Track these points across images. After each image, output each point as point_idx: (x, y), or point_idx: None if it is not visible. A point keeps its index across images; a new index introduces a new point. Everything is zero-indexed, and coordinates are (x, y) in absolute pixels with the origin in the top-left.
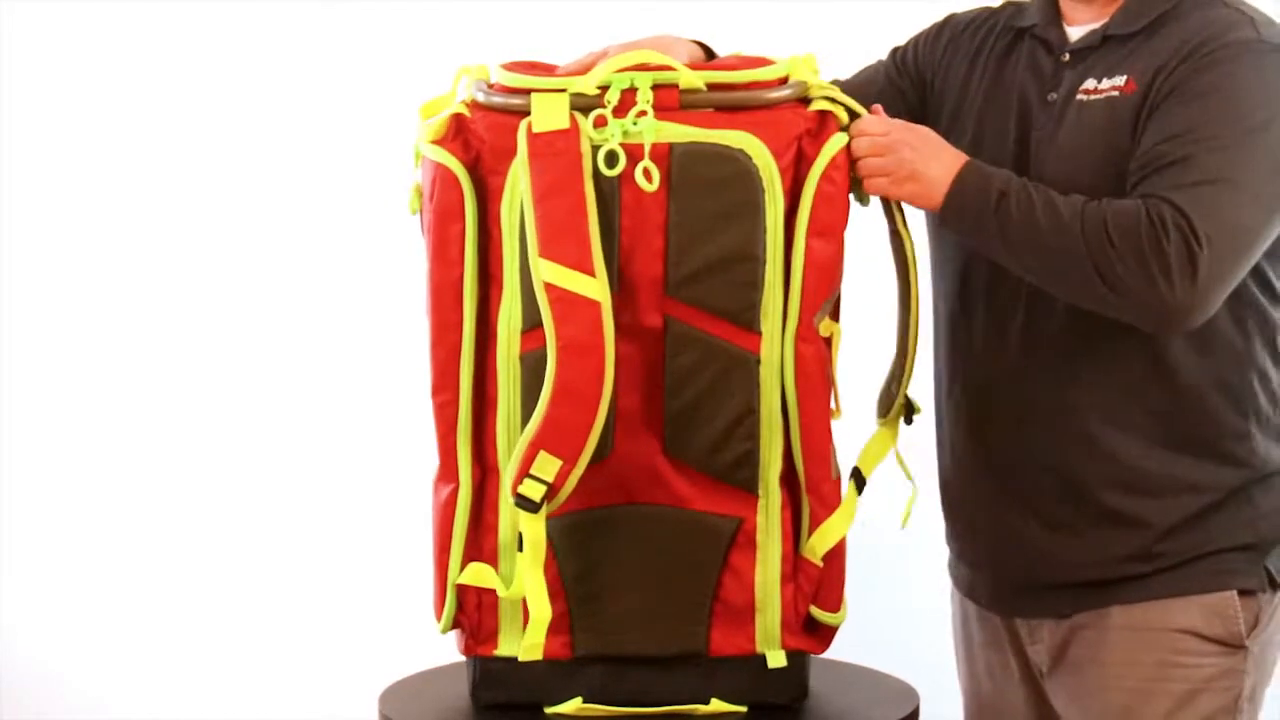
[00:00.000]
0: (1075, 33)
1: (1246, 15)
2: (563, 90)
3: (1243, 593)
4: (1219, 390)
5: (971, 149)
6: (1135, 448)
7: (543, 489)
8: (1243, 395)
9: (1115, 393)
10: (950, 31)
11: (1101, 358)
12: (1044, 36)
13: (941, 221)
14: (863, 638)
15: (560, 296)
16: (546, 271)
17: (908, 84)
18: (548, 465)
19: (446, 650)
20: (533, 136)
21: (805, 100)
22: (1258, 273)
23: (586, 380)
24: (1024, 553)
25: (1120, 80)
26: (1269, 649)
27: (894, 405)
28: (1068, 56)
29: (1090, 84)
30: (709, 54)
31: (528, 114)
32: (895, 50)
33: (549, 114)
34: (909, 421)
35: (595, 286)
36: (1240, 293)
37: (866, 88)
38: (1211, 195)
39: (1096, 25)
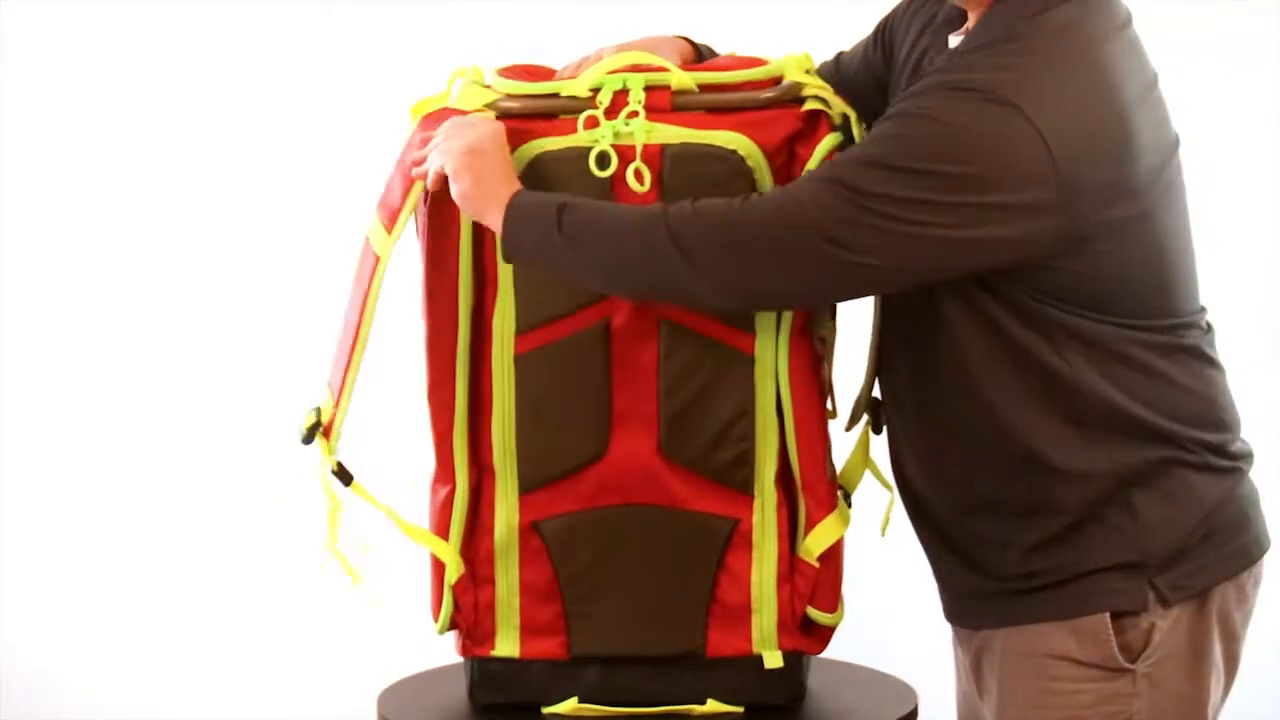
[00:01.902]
0: (953, 41)
1: (1011, 60)
2: (555, 94)
3: (1124, 614)
4: (1040, 408)
5: None
6: (978, 474)
7: (313, 419)
8: (1072, 409)
9: (944, 423)
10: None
11: (930, 392)
12: (934, 42)
13: (506, 255)
14: (862, 638)
15: (367, 247)
16: (371, 223)
17: (879, 58)
18: (328, 404)
19: (445, 651)
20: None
21: (798, 100)
22: (1075, 313)
23: (353, 311)
24: (938, 567)
25: None
26: (1172, 666)
27: (855, 411)
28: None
29: None
30: (698, 50)
31: (521, 116)
32: (884, 18)
33: (468, 100)
34: (877, 431)
35: (387, 243)
36: (1055, 322)
37: (850, 64)
38: (814, 186)
39: (957, 41)
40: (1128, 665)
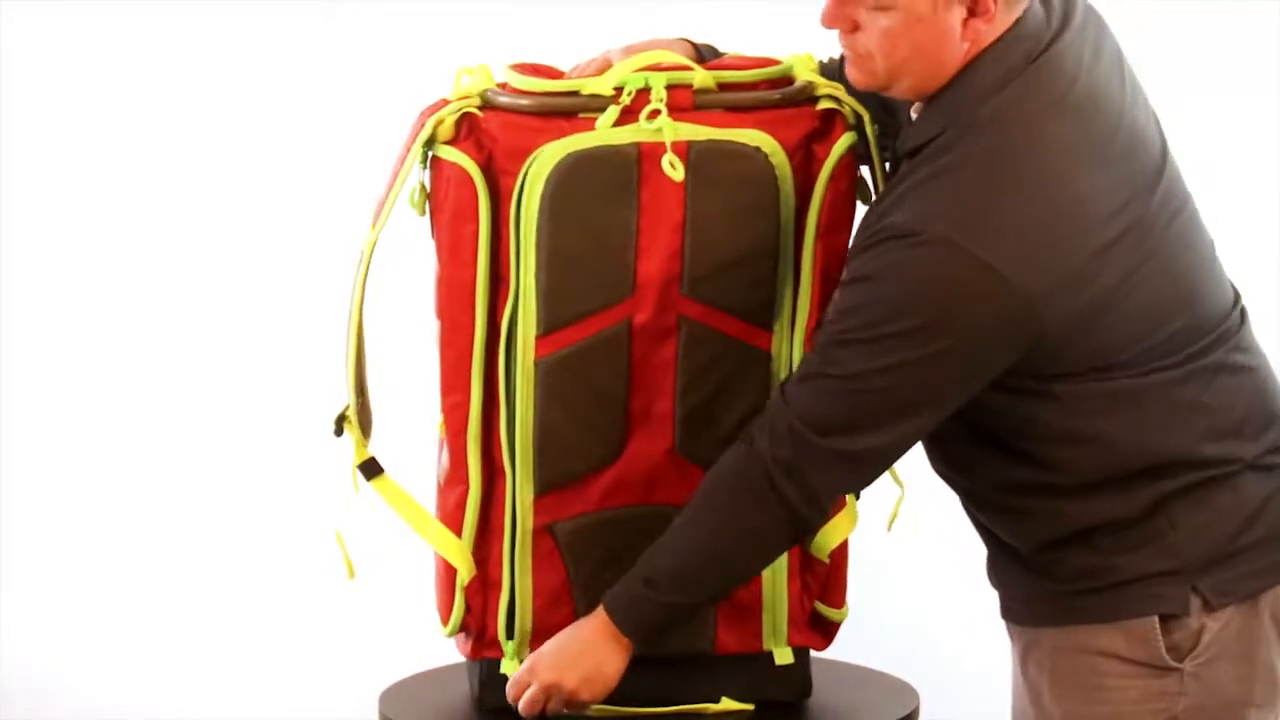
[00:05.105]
0: (913, 114)
1: (940, 189)
2: (575, 92)
3: (1170, 616)
4: (1079, 468)
5: None
6: (1028, 529)
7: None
8: (1112, 462)
9: (985, 488)
10: None
11: (963, 463)
12: (900, 110)
13: (649, 649)
14: (863, 637)
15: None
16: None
17: None
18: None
19: (446, 651)
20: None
21: (812, 100)
22: (1105, 378)
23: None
24: (993, 567)
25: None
26: (1221, 666)
27: None
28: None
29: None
30: (699, 51)
31: (540, 114)
32: None
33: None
34: None
35: (371, 232)
36: (1079, 394)
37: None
38: (820, 401)
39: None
40: (1174, 665)
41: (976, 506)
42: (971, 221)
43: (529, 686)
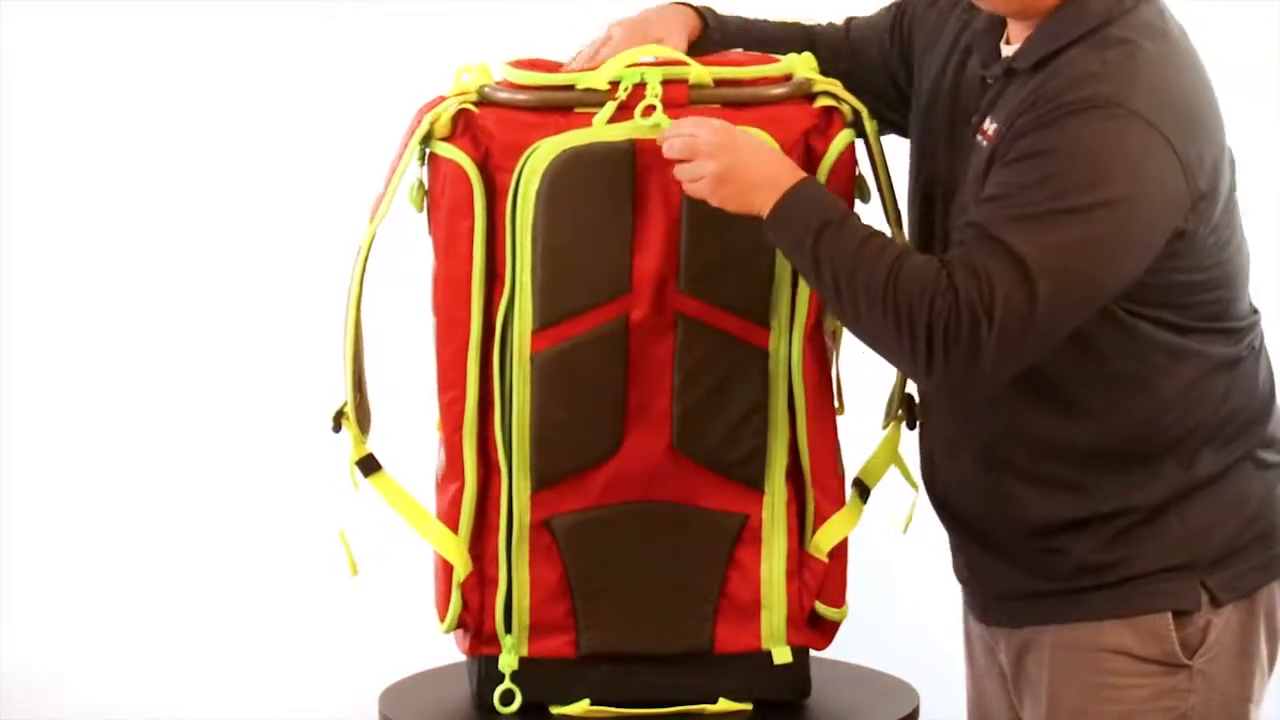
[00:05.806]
0: (1006, 51)
1: (1117, 68)
2: (571, 86)
3: (1180, 613)
4: (1117, 421)
5: (915, 159)
6: (1036, 490)
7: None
8: (1150, 420)
9: (998, 434)
10: None
11: (1010, 403)
12: (978, 48)
13: (765, 231)
14: (863, 637)
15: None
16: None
17: (896, 55)
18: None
19: (446, 650)
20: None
21: (810, 97)
22: (1158, 321)
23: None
24: (974, 567)
25: (993, 128)
26: (1223, 663)
27: (891, 407)
28: (991, 80)
29: (987, 124)
30: (701, 15)
31: (536, 109)
32: (899, 5)
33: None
34: (911, 426)
35: (370, 226)
36: (1137, 335)
37: (862, 43)
38: (1006, 273)
39: (1012, 51)
40: (1185, 661)
41: (989, 474)
42: (1156, 100)
43: (696, 145)
